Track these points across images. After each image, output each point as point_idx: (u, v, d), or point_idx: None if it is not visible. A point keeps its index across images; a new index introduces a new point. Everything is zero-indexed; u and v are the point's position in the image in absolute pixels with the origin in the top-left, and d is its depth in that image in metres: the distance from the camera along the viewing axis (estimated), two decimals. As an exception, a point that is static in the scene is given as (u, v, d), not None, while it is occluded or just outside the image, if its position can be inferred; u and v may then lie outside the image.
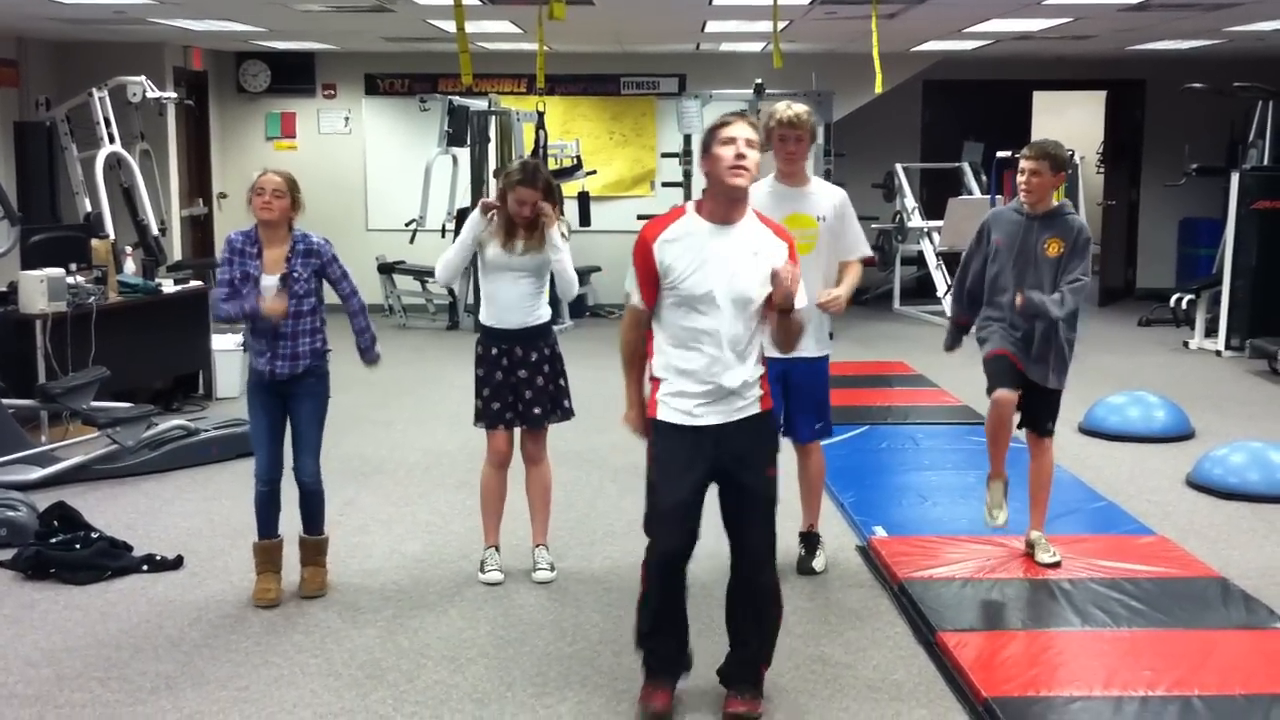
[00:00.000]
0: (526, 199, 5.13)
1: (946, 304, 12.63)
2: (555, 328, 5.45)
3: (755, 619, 4.13)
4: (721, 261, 3.93)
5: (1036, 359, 5.26)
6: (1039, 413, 5.39)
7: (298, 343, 5.07)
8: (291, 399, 5.13)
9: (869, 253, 5.42)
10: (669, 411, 4.00)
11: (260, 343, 5.06)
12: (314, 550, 5.31)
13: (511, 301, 5.21)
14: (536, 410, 5.27)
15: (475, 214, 5.27)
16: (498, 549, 5.43)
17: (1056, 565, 5.33)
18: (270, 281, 5.04)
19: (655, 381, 4.06)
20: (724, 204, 3.97)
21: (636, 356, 4.15)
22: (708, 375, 3.94)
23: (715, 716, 4.10)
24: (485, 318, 5.28)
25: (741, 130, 3.92)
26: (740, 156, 3.89)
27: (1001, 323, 5.28)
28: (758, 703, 4.09)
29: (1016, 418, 5.43)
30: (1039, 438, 5.42)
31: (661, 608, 4.11)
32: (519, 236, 5.18)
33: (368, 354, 5.35)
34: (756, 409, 4.02)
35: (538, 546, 5.43)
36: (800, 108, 5.13)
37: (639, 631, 4.16)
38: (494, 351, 5.25)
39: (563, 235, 5.24)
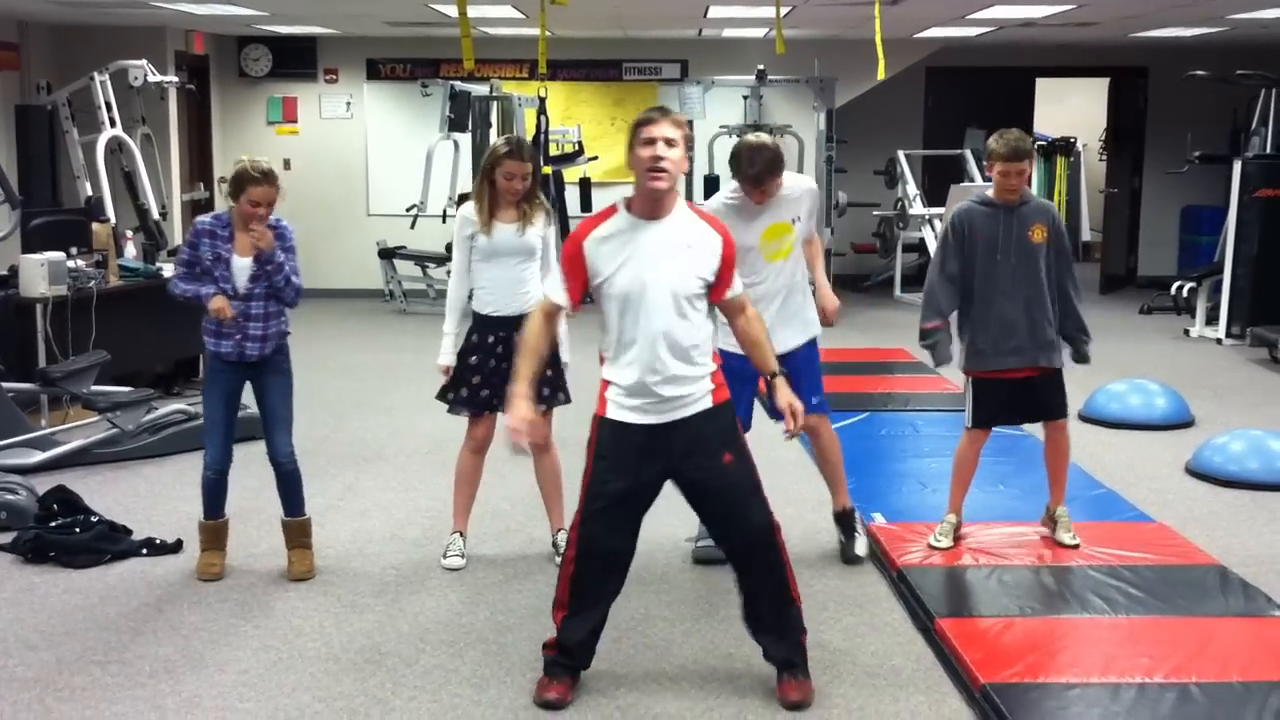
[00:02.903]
0: (515, 172, 5.12)
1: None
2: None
3: (770, 602, 4.11)
4: (652, 257, 3.93)
5: (1043, 345, 5.27)
6: (1052, 399, 5.39)
7: (268, 324, 5.12)
8: (259, 379, 5.19)
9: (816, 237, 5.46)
10: (616, 409, 4.01)
11: (231, 325, 5.06)
12: (298, 532, 5.34)
13: (504, 287, 5.19)
14: (545, 391, 5.23)
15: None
16: (464, 535, 5.44)
17: (1075, 548, 5.36)
18: (244, 263, 5.06)
19: (604, 382, 4.06)
20: (650, 200, 3.96)
21: (534, 343, 4.10)
22: (650, 372, 3.94)
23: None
24: (479, 305, 5.27)
25: (662, 130, 3.90)
26: (657, 159, 3.88)
27: (993, 325, 5.24)
28: (809, 683, 4.11)
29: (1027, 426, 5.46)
30: (1059, 421, 5.43)
31: (582, 609, 4.12)
32: (502, 219, 5.17)
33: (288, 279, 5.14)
34: (708, 403, 4.01)
35: (558, 531, 5.42)
36: (760, 146, 4.95)
37: (559, 641, 4.15)
38: (489, 340, 5.23)
39: (546, 215, 5.25)
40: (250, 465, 6.37)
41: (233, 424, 5.26)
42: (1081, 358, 5.39)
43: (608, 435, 4.04)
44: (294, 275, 5.13)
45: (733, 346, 5.12)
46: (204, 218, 5.17)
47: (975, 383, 5.40)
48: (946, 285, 5.33)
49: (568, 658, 4.15)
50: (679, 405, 3.98)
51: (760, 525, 4.07)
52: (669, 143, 3.90)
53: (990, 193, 5.28)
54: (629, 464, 4.00)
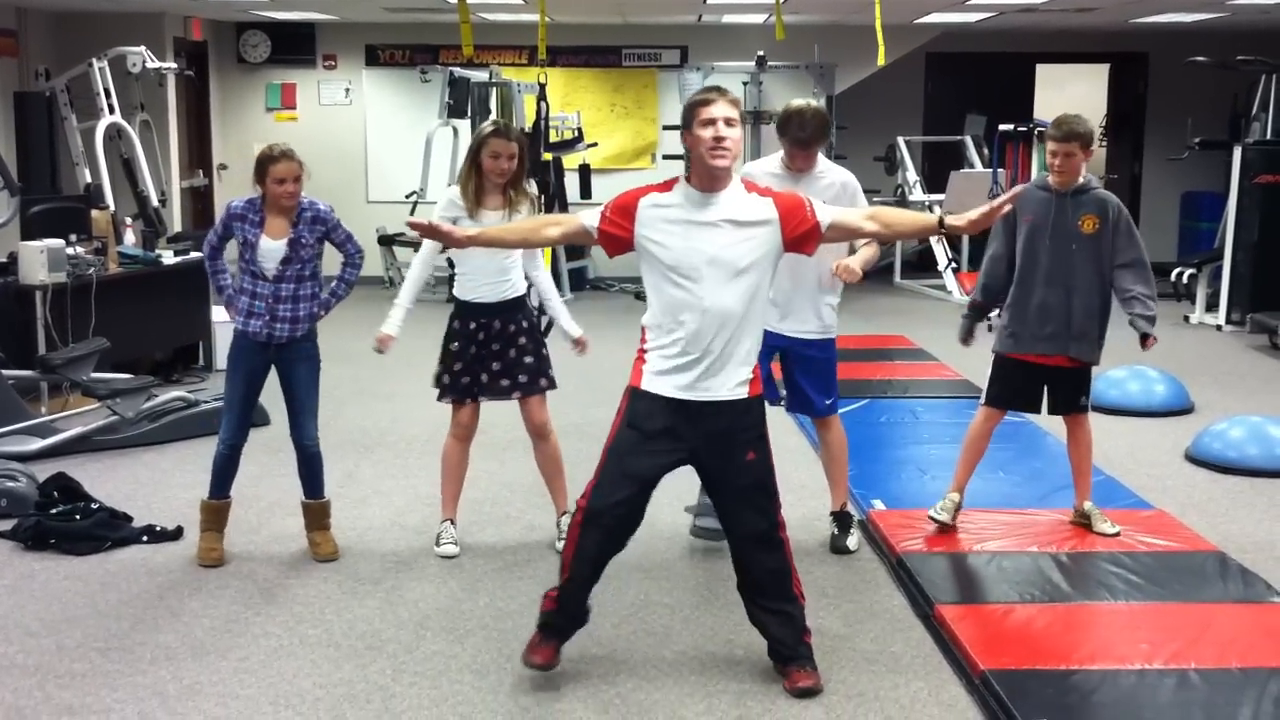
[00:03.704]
0: (501, 151, 5.10)
1: (950, 280, 12.68)
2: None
3: (776, 596, 4.12)
4: (706, 229, 3.93)
5: (1078, 336, 5.26)
6: (1075, 392, 5.39)
7: (298, 306, 5.13)
8: (285, 364, 5.20)
9: None
10: (651, 380, 4.00)
11: (259, 304, 5.08)
12: (320, 514, 5.38)
13: (486, 274, 5.16)
14: (523, 378, 5.25)
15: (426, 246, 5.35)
16: (454, 522, 5.43)
17: (1116, 535, 5.35)
18: (275, 246, 5.06)
19: (641, 354, 4.05)
20: (709, 177, 3.97)
21: (517, 226, 4.51)
22: (693, 349, 3.93)
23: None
24: (460, 292, 5.26)
25: (721, 110, 3.92)
26: (719, 139, 3.89)
27: (1030, 309, 5.24)
28: (818, 673, 4.10)
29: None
30: (1077, 415, 5.43)
31: (585, 577, 4.13)
32: (487, 205, 5.14)
33: (327, 306, 5.32)
34: (744, 393, 4.00)
35: (563, 515, 5.41)
36: (813, 112, 5.03)
37: (560, 598, 4.16)
38: (471, 326, 5.22)
39: (531, 203, 5.22)
40: (252, 452, 6.36)
41: (252, 403, 5.29)
42: (1145, 340, 5.29)
43: (640, 406, 4.02)
44: (351, 246, 5.34)
45: None
46: (236, 200, 5.19)
47: (998, 361, 5.39)
48: (990, 264, 5.39)
49: (562, 617, 4.16)
50: (717, 382, 3.95)
51: (766, 525, 4.08)
52: (729, 122, 3.92)
53: (1049, 178, 5.26)
54: (655, 437, 3.99)
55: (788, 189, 4.89)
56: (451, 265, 12.28)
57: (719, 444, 4.01)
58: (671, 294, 3.95)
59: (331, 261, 5.18)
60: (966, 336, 5.53)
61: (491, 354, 5.22)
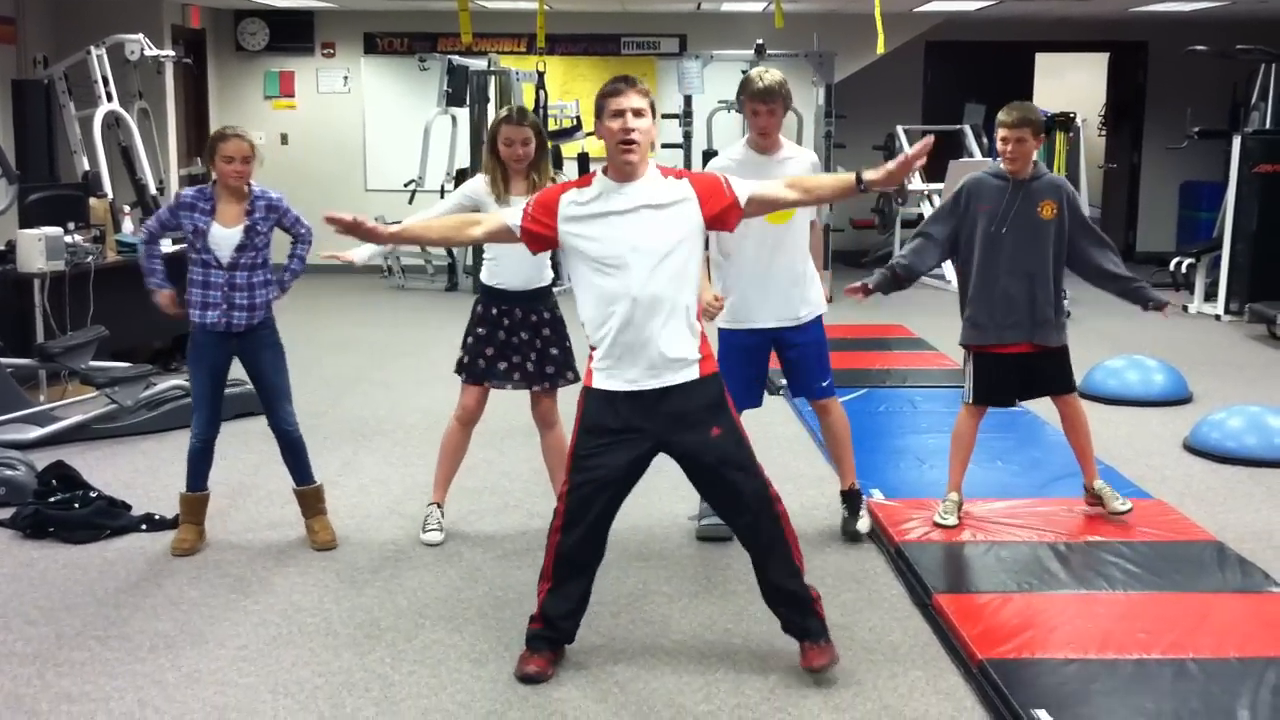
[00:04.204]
0: (514, 137, 5.11)
1: (949, 269, 12.65)
2: (555, 288, 5.43)
3: (781, 566, 4.10)
4: (628, 218, 3.94)
5: (1041, 323, 5.25)
6: (1058, 375, 5.38)
7: (254, 293, 5.14)
8: (249, 354, 5.21)
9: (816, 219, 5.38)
10: (602, 378, 4.00)
11: (214, 294, 5.09)
12: (313, 499, 5.38)
13: (514, 260, 5.15)
14: (550, 369, 5.25)
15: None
16: (441, 507, 5.43)
17: (1128, 511, 5.37)
18: (229, 234, 5.07)
19: (591, 351, 4.06)
20: (621, 169, 3.98)
21: (440, 225, 4.55)
22: (629, 337, 3.93)
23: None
24: (487, 278, 5.25)
25: (630, 100, 3.94)
26: (628, 130, 3.91)
27: (995, 299, 5.24)
28: (831, 646, 4.10)
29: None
30: (1065, 397, 5.43)
31: (565, 581, 4.13)
32: (514, 192, 5.14)
33: (283, 286, 5.33)
34: (695, 373, 4.00)
35: None
36: (773, 77, 5.03)
37: (544, 614, 4.15)
38: (494, 312, 5.22)
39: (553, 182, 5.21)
40: (249, 441, 6.39)
41: (220, 395, 5.29)
42: (1155, 304, 5.36)
43: (593, 406, 4.03)
44: (300, 227, 5.26)
45: (735, 324, 5.15)
46: (187, 190, 5.21)
47: (976, 358, 5.39)
48: (928, 244, 5.35)
49: (551, 630, 4.16)
50: (665, 370, 3.96)
51: (754, 498, 4.06)
52: (637, 113, 3.93)
53: (1002, 165, 5.26)
54: (614, 436, 3.99)
55: (757, 173, 4.91)
56: (450, 255, 12.40)
57: (681, 428, 4.00)
58: (601, 285, 3.95)
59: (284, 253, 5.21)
60: (866, 291, 5.22)
61: (522, 343, 5.22)
